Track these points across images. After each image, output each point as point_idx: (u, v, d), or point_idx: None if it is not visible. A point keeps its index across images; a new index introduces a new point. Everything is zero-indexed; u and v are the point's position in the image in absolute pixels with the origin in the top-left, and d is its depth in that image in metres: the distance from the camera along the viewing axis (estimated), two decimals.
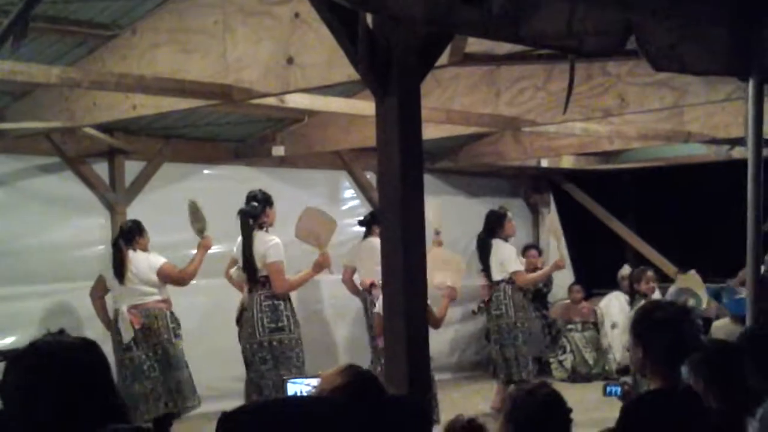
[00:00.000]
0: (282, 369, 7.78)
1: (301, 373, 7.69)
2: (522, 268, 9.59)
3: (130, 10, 6.34)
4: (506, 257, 9.42)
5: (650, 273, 9.63)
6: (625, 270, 11.23)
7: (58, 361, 2.66)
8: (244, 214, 8.02)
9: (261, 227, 8.01)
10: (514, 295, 9.39)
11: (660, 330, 3.66)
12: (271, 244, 7.93)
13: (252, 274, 7.97)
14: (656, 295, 9.40)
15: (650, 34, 3.98)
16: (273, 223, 8.11)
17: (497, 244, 9.42)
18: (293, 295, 8.26)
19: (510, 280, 9.34)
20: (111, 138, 8.76)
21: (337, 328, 10.59)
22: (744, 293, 10.35)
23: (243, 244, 8.01)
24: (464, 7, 3.46)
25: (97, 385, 2.71)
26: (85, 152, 8.87)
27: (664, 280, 11.88)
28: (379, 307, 7.53)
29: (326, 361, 9.51)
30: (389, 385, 4.06)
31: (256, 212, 8.00)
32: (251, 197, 8.08)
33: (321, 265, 8.08)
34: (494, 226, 9.48)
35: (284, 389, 4.94)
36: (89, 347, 2.81)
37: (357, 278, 9.66)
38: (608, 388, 4.65)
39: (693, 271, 9.74)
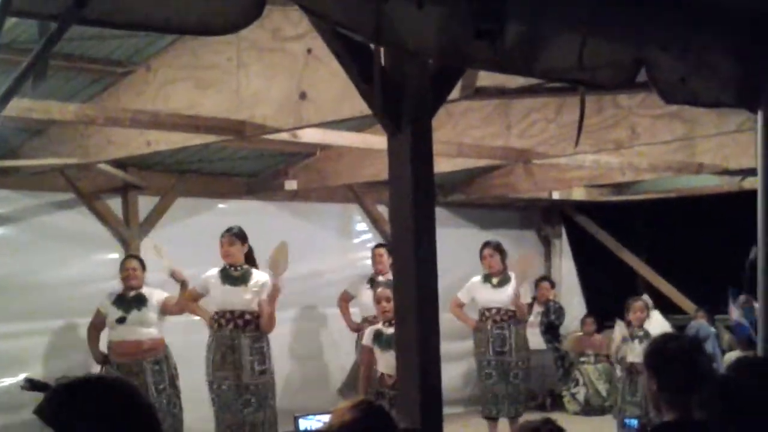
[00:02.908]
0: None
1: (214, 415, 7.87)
2: (461, 297, 9.40)
3: (144, 47, 6.41)
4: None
5: (639, 303, 9.62)
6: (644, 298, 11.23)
7: (119, 399, 2.69)
8: None
9: (229, 265, 8.08)
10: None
11: (673, 362, 3.66)
12: None
13: None
14: (648, 324, 9.40)
15: (661, 68, 4.01)
16: (223, 258, 8.11)
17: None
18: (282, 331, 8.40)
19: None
20: (125, 173, 8.81)
21: (333, 360, 10.52)
22: (735, 315, 10.39)
23: None
24: (477, 41, 3.49)
25: (149, 423, 2.74)
26: (99, 188, 8.93)
27: (674, 311, 11.88)
28: (366, 339, 7.55)
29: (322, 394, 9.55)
30: (401, 418, 4.08)
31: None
32: None
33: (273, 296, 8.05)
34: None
35: (296, 426, 4.97)
36: (133, 387, 2.85)
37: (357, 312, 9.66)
38: (626, 421, 4.67)
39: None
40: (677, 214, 12.68)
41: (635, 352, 9.06)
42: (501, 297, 9.21)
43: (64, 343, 8.44)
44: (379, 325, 7.54)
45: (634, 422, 4.26)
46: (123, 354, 7.95)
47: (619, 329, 9.87)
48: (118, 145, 7.21)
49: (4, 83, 3.70)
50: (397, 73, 4.11)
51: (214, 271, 8.04)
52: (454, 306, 9.29)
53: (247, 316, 7.94)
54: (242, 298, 7.95)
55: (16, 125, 7.27)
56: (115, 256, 8.84)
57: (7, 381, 8.10)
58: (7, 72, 3.96)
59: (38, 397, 2.65)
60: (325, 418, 3.35)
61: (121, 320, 7.96)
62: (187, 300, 8.11)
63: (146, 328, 8.03)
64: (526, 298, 9.41)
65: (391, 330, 7.30)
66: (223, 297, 7.94)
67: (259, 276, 8.03)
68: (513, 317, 9.24)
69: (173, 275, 8.10)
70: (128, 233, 9.12)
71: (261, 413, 7.89)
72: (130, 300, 8.03)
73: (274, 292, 7.94)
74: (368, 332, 7.57)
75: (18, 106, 5.53)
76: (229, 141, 7.09)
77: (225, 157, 9.24)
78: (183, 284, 8.09)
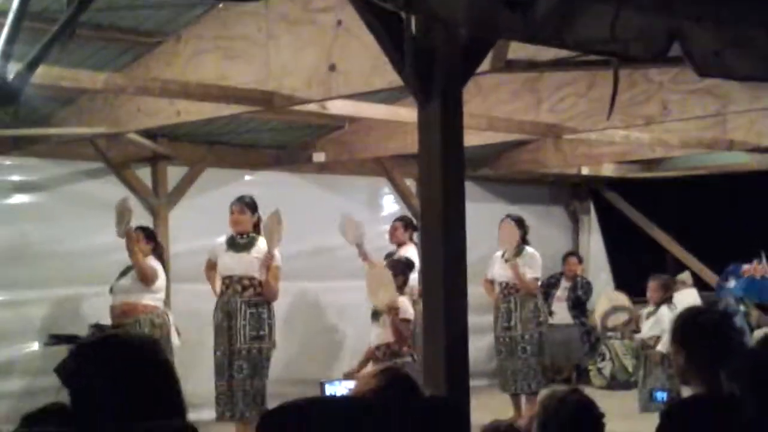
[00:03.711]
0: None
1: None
2: (488, 274, 9.40)
3: (175, 17, 6.41)
4: None
5: (655, 282, 9.56)
6: (685, 275, 11.24)
7: (137, 357, 2.70)
8: None
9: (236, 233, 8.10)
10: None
11: (703, 335, 3.64)
12: None
13: None
14: (681, 296, 9.37)
15: (694, 40, 3.97)
16: (231, 227, 8.10)
17: None
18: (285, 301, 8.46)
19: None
20: (154, 144, 8.84)
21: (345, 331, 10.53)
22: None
23: None
24: (507, 11, 3.47)
25: (167, 382, 2.75)
26: (129, 158, 8.97)
27: (704, 288, 11.82)
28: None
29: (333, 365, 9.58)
30: (427, 388, 4.08)
31: None
32: None
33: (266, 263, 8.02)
34: None
35: (322, 391, 4.99)
36: (158, 345, 2.87)
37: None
38: (655, 394, 4.65)
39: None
40: (707, 191, 12.58)
41: (645, 329, 9.09)
42: (508, 271, 9.21)
43: (90, 310, 8.50)
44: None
45: (663, 395, 4.23)
46: (116, 317, 7.98)
47: (605, 300, 9.91)
48: (148, 115, 7.23)
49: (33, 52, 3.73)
50: (428, 43, 4.09)
51: (222, 239, 8.08)
52: (484, 282, 9.36)
53: (245, 282, 7.93)
54: (243, 264, 7.96)
55: (47, 94, 7.29)
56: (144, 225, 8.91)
57: (35, 346, 8.20)
58: (38, 41, 3.97)
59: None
60: (351, 384, 3.36)
61: (110, 289, 8.12)
62: (207, 270, 8.19)
63: (127, 293, 8.10)
64: (535, 273, 9.32)
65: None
66: (226, 263, 7.99)
67: (264, 245, 8.03)
68: (518, 291, 9.20)
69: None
70: (157, 203, 9.16)
71: (254, 380, 7.87)
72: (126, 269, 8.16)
73: (267, 260, 7.93)
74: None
75: (48, 74, 5.55)
76: (257, 112, 7.09)
77: (254, 129, 9.24)
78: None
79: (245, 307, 7.91)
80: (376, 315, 7.80)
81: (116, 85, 6.14)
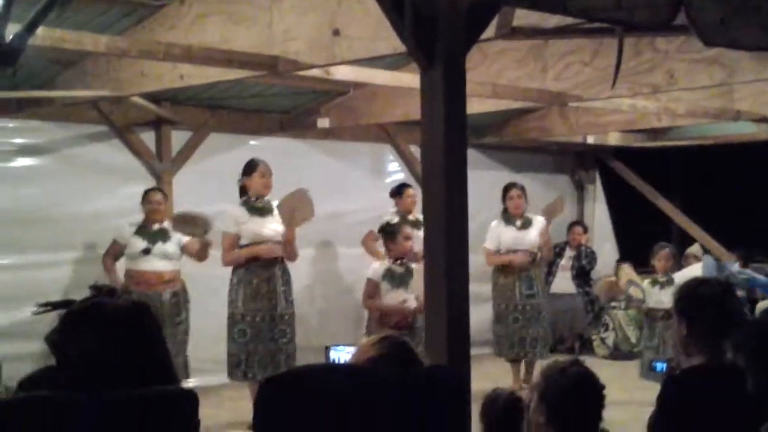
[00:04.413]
0: (228, 342, 7.91)
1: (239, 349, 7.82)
2: (490, 246, 9.24)
3: None
4: (487, 233, 9.34)
5: (665, 251, 9.45)
6: (695, 248, 11.18)
7: (121, 324, 2.69)
8: (240, 185, 8.09)
9: (250, 198, 7.97)
10: (492, 272, 9.35)
11: (705, 306, 3.63)
12: (223, 214, 8.01)
13: None
14: (689, 272, 9.33)
15: (700, 8, 3.93)
16: (258, 191, 7.94)
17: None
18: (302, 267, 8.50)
19: None
20: (158, 108, 8.82)
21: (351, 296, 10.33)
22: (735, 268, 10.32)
23: None
24: None
25: (151, 346, 2.75)
26: (133, 121, 8.96)
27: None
28: (373, 274, 8.08)
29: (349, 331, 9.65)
30: (428, 357, 4.07)
31: (240, 183, 8.04)
32: None
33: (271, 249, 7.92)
34: (502, 200, 9.39)
35: (327, 355, 4.99)
36: (146, 311, 2.86)
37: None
38: (654, 364, 4.65)
39: (626, 265, 9.85)
40: (713, 161, 12.55)
41: (654, 298, 9.05)
42: (528, 238, 9.17)
43: (92, 274, 8.49)
44: (388, 263, 8.10)
45: (663, 365, 4.23)
46: (142, 283, 8.02)
47: (624, 272, 9.87)
48: (152, 79, 7.19)
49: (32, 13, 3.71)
50: (431, 9, 4.05)
51: (236, 208, 7.94)
52: (488, 256, 9.22)
53: (278, 246, 7.91)
54: (272, 229, 7.90)
55: (50, 56, 7.27)
56: None
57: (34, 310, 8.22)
58: (38, 2, 3.95)
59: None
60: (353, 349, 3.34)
61: (146, 251, 8.02)
62: (254, 250, 7.89)
63: (168, 260, 8.12)
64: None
65: (401, 269, 8.04)
66: (255, 228, 7.88)
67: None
68: (535, 260, 9.22)
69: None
70: (161, 167, 9.15)
71: (292, 344, 7.94)
72: (155, 233, 8.10)
73: (289, 237, 7.88)
74: (377, 267, 8.09)
75: (50, 36, 5.52)
76: (262, 77, 7.05)
77: (258, 94, 9.21)
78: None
79: (281, 273, 7.93)
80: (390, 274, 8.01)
81: (119, 48, 6.10)
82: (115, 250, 8.19)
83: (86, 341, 2.63)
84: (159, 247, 8.07)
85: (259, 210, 7.95)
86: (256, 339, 7.81)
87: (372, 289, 8.09)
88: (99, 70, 7.53)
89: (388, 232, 8.31)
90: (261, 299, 7.85)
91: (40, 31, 5.28)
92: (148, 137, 9.16)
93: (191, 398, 2.74)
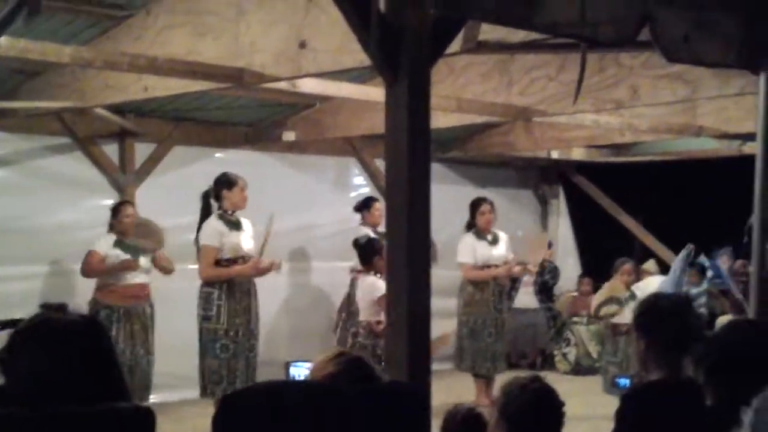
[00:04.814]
0: (205, 358, 7.84)
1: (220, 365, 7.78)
2: (469, 260, 9.25)
3: None
4: (459, 248, 9.31)
5: (627, 266, 9.67)
6: (650, 264, 11.30)
7: (67, 340, 2.66)
8: (202, 197, 8.09)
9: (226, 212, 7.97)
10: (464, 287, 9.35)
11: (663, 321, 3.66)
12: (204, 226, 7.95)
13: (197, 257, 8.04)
14: (645, 288, 9.44)
15: (664, 25, 3.96)
16: (238, 205, 7.99)
17: (463, 235, 9.37)
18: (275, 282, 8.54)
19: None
20: (122, 119, 8.77)
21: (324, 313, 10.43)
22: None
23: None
24: None
25: (102, 363, 2.71)
26: (96, 133, 8.91)
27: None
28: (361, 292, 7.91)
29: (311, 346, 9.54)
30: (389, 372, 4.06)
31: (210, 194, 8.03)
32: (214, 180, 8.09)
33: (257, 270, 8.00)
34: (471, 215, 9.42)
35: (287, 371, 4.97)
36: (96, 326, 2.82)
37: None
38: (617, 380, 4.67)
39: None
40: (676, 176, 12.64)
41: (619, 314, 9.11)
42: (498, 254, 9.23)
43: (54, 288, 8.43)
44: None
45: (626, 381, 4.21)
46: (130, 297, 8.01)
47: (606, 290, 9.97)
48: (116, 90, 7.15)
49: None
50: (396, 20, 4.05)
51: (215, 221, 7.93)
52: (468, 271, 9.23)
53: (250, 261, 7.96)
54: (248, 243, 7.99)
55: (13, 66, 7.21)
56: (110, 202, 8.81)
57: None
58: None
59: None
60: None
61: None
62: (247, 268, 7.97)
63: (146, 273, 8.16)
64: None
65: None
66: (234, 243, 7.90)
67: (246, 221, 8.09)
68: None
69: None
70: (124, 180, 9.09)
71: (256, 359, 7.98)
72: (132, 246, 8.05)
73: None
74: (381, 283, 7.67)
75: (14, 46, 5.49)
76: (227, 89, 7.03)
77: (223, 106, 9.19)
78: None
79: (254, 288, 8.00)
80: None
81: (83, 59, 6.06)
82: (98, 260, 8.04)
83: (35, 357, 2.60)
84: (141, 260, 8.08)
85: (235, 224, 7.97)
86: (238, 355, 7.81)
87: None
88: (63, 81, 7.48)
89: (363, 247, 8.29)
90: (243, 314, 7.87)
91: (3, 40, 5.27)
92: (111, 149, 9.10)
93: (146, 415, 2.70)
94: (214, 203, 8.02)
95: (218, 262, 7.84)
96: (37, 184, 8.63)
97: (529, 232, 9.71)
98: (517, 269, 9.36)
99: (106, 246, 8.04)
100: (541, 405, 3.48)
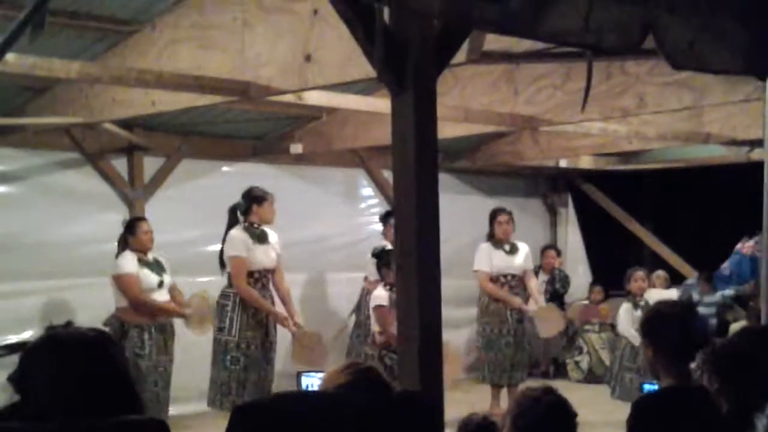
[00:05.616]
0: (212, 369, 7.88)
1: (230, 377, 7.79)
2: (484, 268, 9.24)
3: (150, 5, 6.36)
4: (476, 255, 9.30)
5: (640, 273, 9.67)
6: (660, 272, 11.32)
7: (78, 353, 2.66)
8: (230, 211, 8.08)
9: (252, 225, 8.00)
10: (480, 295, 9.36)
11: (667, 326, 3.65)
12: (229, 238, 7.96)
13: (222, 269, 8.05)
14: (649, 294, 9.47)
15: (668, 32, 3.96)
16: (268, 220, 8.07)
17: (480, 243, 9.36)
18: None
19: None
20: (130, 134, 8.80)
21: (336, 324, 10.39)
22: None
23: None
24: (482, 1, 3.45)
25: (113, 374, 2.72)
26: (105, 148, 8.92)
27: (680, 281, 11.87)
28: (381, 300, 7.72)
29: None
30: (401, 382, 4.06)
31: (239, 209, 8.05)
32: (242, 194, 8.11)
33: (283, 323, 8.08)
34: (489, 225, 9.40)
35: (298, 382, 4.97)
36: (106, 339, 2.82)
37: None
38: (644, 386, 4.68)
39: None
40: (684, 184, 12.63)
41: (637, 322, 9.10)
42: (516, 263, 9.24)
43: (65, 303, 8.43)
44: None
45: (651, 386, 4.18)
46: (164, 315, 7.97)
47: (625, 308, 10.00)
48: (123, 105, 7.18)
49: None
50: (401, 32, 4.07)
51: (240, 232, 7.95)
52: (485, 281, 9.20)
53: (269, 275, 8.03)
54: (270, 257, 8.03)
55: (21, 83, 7.24)
56: (119, 216, 8.82)
57: (12, 339, 8.13)
58: (7, 28, 3.94)
59: None
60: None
61: (161, 284, 7.94)
62: (276, 316, 8.06)
63: (167, 289, 8.08)
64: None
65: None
66: (257, 256, 7.94)
67: (271, 232, 8.12)
68: (520, 284, 9.30)
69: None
70: (133, 194, 9.11)
71: (273, 371, 8.02)
72: (157, 264, 8.01)
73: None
74: (383, 294, 7.72)
75: (21, 63, 5.51)
76: (234, 102, 7.06)
77: (231, 120, 9.20)
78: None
79: (271, 301, 8.06)
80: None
81: (90, 75, 6.09)
82: (140, 288, 7.84)
83: (46, 371, 2.61)
84: (165, 277, 8.04)
85: (260, 236, 7.99)
86: (249, 368, 7.82)
87: (387, 315, 7.65)
88: (71, 97, 7.51)
89: (382, 257, 8.29)
90: (257, 327, 7.88)
91: (11, 57, 5.29)
92: (120, 164, 9.12)
93: (160, 427, 2.71)
94: (240, 217, 8.05)
95: (250, 274, 7.91)
96: (46, 199, 8.63)
97: (543, 310, 9.61)
98: (516, 303, 9.24)
99: (134, 267, 7.85)
100: (555, 419, 3.46)
